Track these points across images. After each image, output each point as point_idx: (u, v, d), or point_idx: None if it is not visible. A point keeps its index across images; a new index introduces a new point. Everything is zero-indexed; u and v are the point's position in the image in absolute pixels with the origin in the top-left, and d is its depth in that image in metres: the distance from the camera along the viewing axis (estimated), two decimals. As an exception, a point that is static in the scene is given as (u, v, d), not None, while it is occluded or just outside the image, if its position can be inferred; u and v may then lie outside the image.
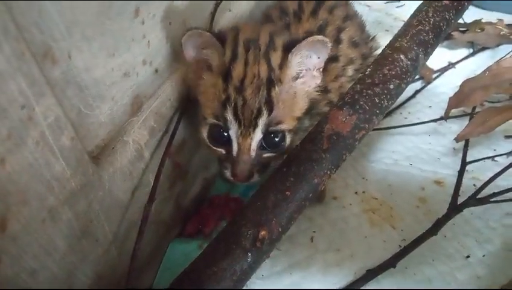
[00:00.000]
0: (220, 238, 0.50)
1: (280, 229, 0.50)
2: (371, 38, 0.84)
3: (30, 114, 0.38)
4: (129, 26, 0.51)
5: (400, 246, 0.67)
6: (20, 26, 0.36)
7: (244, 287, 0.49)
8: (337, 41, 0.73)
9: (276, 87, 0.59)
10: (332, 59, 0.71)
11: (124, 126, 0.54)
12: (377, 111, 0.58)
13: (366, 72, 0.61)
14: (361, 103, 0.57)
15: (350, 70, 0.73)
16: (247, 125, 0.58)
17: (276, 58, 0.60)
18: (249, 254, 0.48)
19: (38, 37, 0.38)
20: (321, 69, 0.62)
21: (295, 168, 0.53)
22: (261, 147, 0.60)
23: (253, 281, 0.65)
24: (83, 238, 0.47)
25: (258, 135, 0.59)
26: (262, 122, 0.58)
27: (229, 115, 0.58)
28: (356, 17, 0.82)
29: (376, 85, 0.59)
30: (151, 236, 0.64)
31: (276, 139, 0.61)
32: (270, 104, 0.58)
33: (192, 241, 0.69)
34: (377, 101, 0.58)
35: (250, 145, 0.59)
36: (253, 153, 0.60)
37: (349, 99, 0.58)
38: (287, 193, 0.51)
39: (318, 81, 0.63)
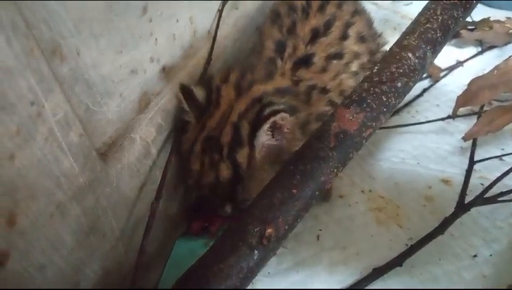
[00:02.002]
0: (227, 236, 0.50)
1: (286, 227, 0.50)
2: (378, 34, 0.84)
3: (39, 110, 0.38)
4: (137, 24, 0.52)
5: (407, 245, 0.67)
6: (29, 23, 0.36)
7: (250, 284, 0.49)
8: (343, 37, 0.72)
9: (243, 180, 0.60)
10: (334, 57, 0.71)
11: (132, 123, 0.54)
12: (385, 109, 0.58)
13: (374, 70, 0.61)
14: (369, 101, 0.57)
15: (354, 66, 0.73)
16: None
17: (243, 154, 0.60)
18: (256, 252, 0.48)
19: (47, 34, 0.38)
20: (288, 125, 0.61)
21: (302, 166, 0.53)
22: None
23: (260, 279, 0.65)
24: (90, 234, 0.48)
25: (224, 211, 0.64)
26: (227, 208, 0.63)
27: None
28: (364, 13, 0.82)
29: (383, 83, 0.59)
30: (158, 233, 0.64)
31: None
32: (233, 197, 0.62)
33: (198, 239, 0.69)
34: (384, 99, 0.58)
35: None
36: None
37: (357, 98, 0.57)
38: (293, 190, 0.51)
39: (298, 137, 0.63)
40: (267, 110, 0.59)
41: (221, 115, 0.62)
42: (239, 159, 0.60)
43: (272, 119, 0.58)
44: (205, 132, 0.62)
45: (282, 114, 0.58)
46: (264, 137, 0.60)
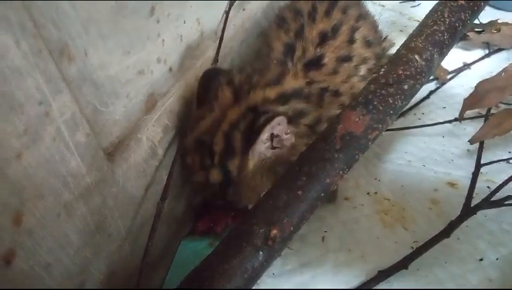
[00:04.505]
0: (232, 236, 0.50)
1: (292, 228, 0.50)
2: (383, 38, 0.84)
3: (47, 110, 0.38)
4: (144, 25, 0.52)
5: (412, 247, 0.67)
6: (37, 23, 0.36)
7: (255, 285, 0.49)
8: (350, 41, 0.72)
9: (233, 185, 0.60)
10: (344, 59, 0.71)
11: (138, 123, 0.54)
12: (391, 111, 0.57)
13: (380, 72, 0.61)
14: (375, 103, 0.57)
15: (363, 70, 0.73)
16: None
17: (234, 164, 0.60)
18: (260, 253, 0.48)
19: (55, 34, 0.39)
20: (288, 131, 0.60)
21: (307, 168, 0.52)
22: None
23: (264, 280, 0.65)
24: (96, 233, 0.48)
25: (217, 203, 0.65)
26: (219, 202, 0.64)
27: None
28: (369, 17, 0.82)
29: (390, 85, 0.58)
30: (164, 233, 0.64)
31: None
32: (224, 197, 0.62)
33: (204, 239, 0.69)
34: (391, 101, 0.57)
35: None
36: None
37: (363, 99, 0.57)
38: (298, 192, 0.51)
39: (293, 140, 0.61)
40: (262, 119, 0.58)
41: (213, 120, 0.61)
42: (230, 168, 0.60)
43: (268, 126, 0.57)
44: (197, 132, 0.62)
45: (277, 118, 0.57)
46: (261, 146, 0.59)
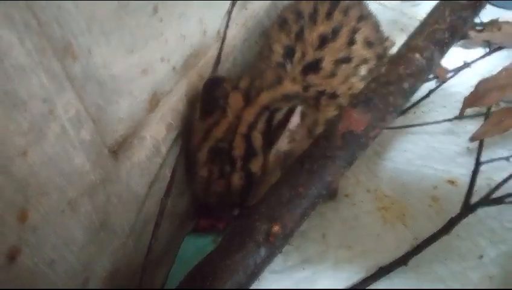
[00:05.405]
0: (234, 232, 0.50)
1: (293, 225, 0.51)
2: (385, 38, 0.84)
3: (51, 108, 0.39)
4: (147, 24, 0.52)
5: (412, 244, 0.67)
6: (41, 21, 0.36)
7: (256, 281, 0.50)
8: (350, 42, 0.73)
9: (254, 186, 0.60)
10: (343, 61, 0.71)
11: (142, 122, 0.55)
12: (391, 110, 0.58)
13: (381, 71, 0.61)
14: (376, 101, 0.57)
15: (363, 70, 0.73)
16: None
17: (257, 164, 0.60)
18: (262, 249, 0.48)
19: (58, 33, 0.39)
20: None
21: (309, 165, 0.53)
22: None
23: (265, 275, 0.65)
24: (101, 230, 0.48)
25: (231, 214, 0.65)
26: (235, 212, 0.64)
27: None
28: (370, 17, 0.82)
29: (390, 84, 0.59)
30: (167, 229, 0.65)
31: None
32: (242, 203, 0.62)
33: (207, 236, 0.70)
34: (391, 100, 0.58)
35: None
36: None
37: (364, 98, 0.58)
38: (300, 189, 0.52)
39: (303, 133, 0.62)
40: (283, 111, 0.59)
41: (229, 126, 0.61)
42: (253, 169, 0.60)
43: (294, 117, 0.58)
44: (211, 142, 0.61)
45: (299, 107, 0.58)
46: (283, 141, 0.60)
